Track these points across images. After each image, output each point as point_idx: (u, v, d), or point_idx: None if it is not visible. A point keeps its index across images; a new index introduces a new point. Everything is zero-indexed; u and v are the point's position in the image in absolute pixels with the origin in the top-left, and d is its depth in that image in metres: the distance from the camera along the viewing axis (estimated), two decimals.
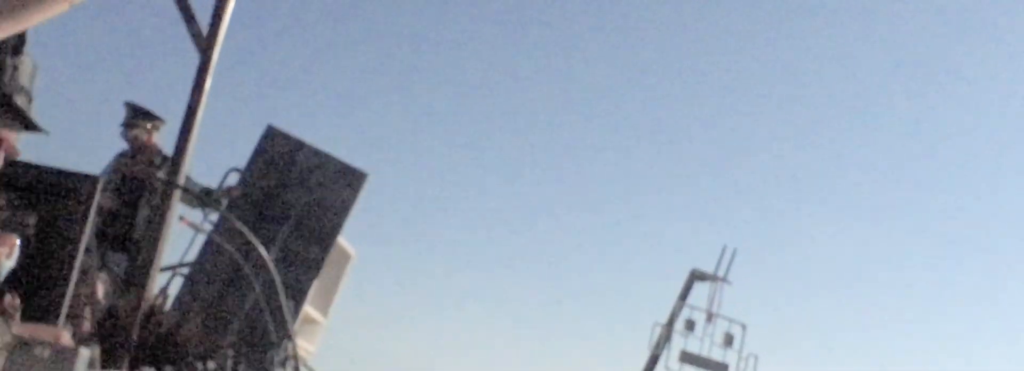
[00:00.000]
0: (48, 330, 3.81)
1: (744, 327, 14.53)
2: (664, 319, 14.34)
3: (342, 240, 6.48)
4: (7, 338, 3.49)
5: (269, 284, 5.53)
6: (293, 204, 6.09)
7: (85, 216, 3.97)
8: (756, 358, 14.48)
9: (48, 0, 2.91)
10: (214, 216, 5.99)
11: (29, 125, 3.67)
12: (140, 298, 4.86)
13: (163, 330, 5.30)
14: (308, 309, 6.37)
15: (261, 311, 5.62)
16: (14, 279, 3.81)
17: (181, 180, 5.30)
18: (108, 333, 4.79)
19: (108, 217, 6.14)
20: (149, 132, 6.38)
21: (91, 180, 4.12)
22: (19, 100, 3.66)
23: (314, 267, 6.12)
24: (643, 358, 14.13)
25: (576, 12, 19.64)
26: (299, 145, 6.17)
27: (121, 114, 6.42)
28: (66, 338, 3.86)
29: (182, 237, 5.94)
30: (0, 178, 3.85)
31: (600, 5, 19.72)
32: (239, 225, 5.46)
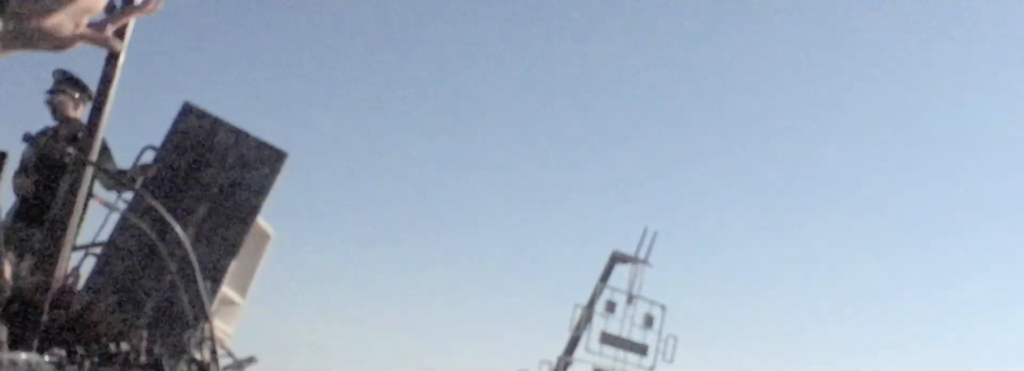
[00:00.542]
0: None
1: (664, 308, 14.76)
2: (585, 301, 14.49)
3: (261, 220, 6.40)
4: None
5: (185, 264, 5.43)
6: (211, 183, 5.99)
7: None
8: (675, 339, 14.72)
9: None
10: (128, 195, 5.87)
11: None
12: (50, 278, 4.73)
13: (74, 311, 5.17)
14: (226, 290, 6.29)
15: (177, 292, 5.53)
16: None
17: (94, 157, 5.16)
18: (16, 314, 4.66)
19: (27, 196, 5.98)
20: (76, 103, 6.22)
21: None
22: None
23: (232, 247, 6.03)
24: (564, 339, 14.26)
25: None
26: (217, 123, 6.06)
27: (48, 81, 6.24)
28: None
29: (96, 216, 5.80)
30: None
31: None
32: (155, 204, 5.35)
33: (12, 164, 6.09)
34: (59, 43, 1.07)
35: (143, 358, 4.73)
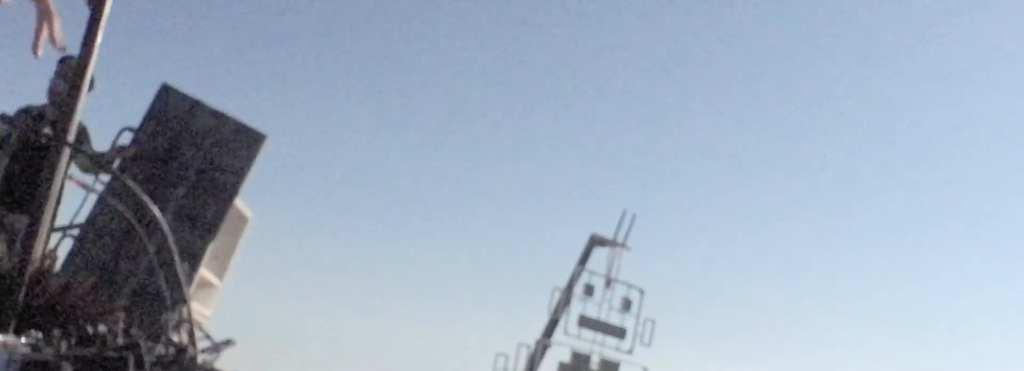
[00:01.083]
0: None
1: (642, 292, 14.82)
2: (563, 284, 14.53)
3: (239, 202, 6.38)
4: None
5: (163, 246, 5.41)
6: (189, 165, 5.96)
7: None
8: (653, 323, 14.80)
9: None
10: (106, 176, 5.83)
11: None
12: (26, 259, 4.70)
13: (51, 293, 5.15)
14: (204, 272, 6.28)
15: (154, 274, 5.51)
16: None
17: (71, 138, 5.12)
18: None
19: (9, 179, 5.94)
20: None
21: None
22: None
23: (210, 229, 6.02)
24: (542, 322, 14.30)
25: None
26: (195, 104, 6.03)
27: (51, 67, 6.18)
28: None
29: (73, 197, 5.77)
30: None
31: None
32: (132, 185, 5.32)
33: None
34: None
35: (120, 340, 4.71)
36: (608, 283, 14.72)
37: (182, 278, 5.38)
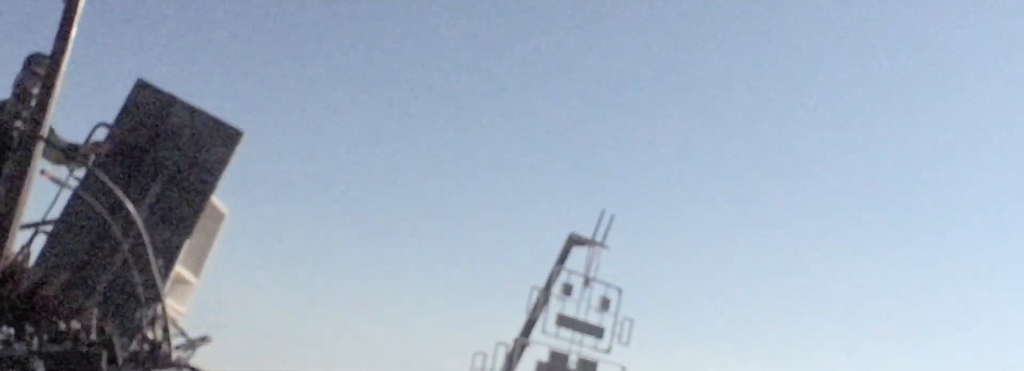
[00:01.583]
0: None
1: (620, 291, 14.79)
2: (542, 283, 14.51)
3: (215, 199, 6.34)
4: None
5: (138, 243, 5.37)
6: (164, 161, 5.92)
7: None
8: (631, 322, 14.78)
9: None
10: (80, 172, 5.79)
11: None
12: None
13: (24, 289, 5.11)
14: (179, 269, 6.23)
15: (129, 270, 5.47)
16: None
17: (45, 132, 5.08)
18: None
19: None
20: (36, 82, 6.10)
21: None
22: None
23: (186, 226, 5.98)
24: (520, 321, 14.29)
25: None
26: (171, 100, 5.99)
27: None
28: None
29: (47, 193, 5.71)
30: None
31: None
32: (107, 181, 5.28)
33: None
34: None
35: (93, 336, 4.68)
36: (586, 282, 14.69)
37: (157, 275, 5.34)
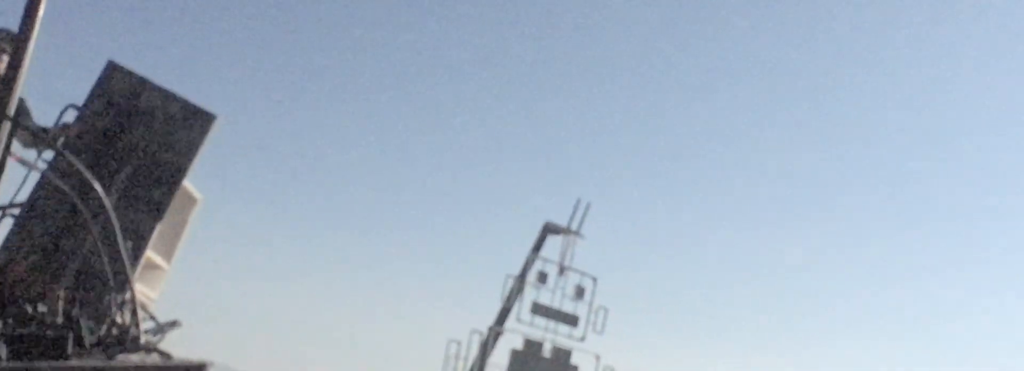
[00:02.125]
0: None
1: (595, 280, 14.85)
2: (517, 271, 14.52)
3: (188, 184, 6.28)
4: None
5: (107, 227, 5.31)
6: (135, 144, 5.85)
7: None
8: (606, 311, 14.83)
9: None
10: (49, 154, 5.71)
11: None
12: None
13: None
14: (150, 254, 6.17)
15: (98, 254, 5.40)
16: None
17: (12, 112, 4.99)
18: None
19: None
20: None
21: None
22: None
23: (157, 211, 5.91)
24: (495, 309, 14.29)
25: None
26: (142, 83, 5.91)
27: None
28: None
29: (14, 175, 5.63)
30: None
31: None
32: (77, 164, 5.21)
33: None
34: None
35: (60, 320, 4.62)
36: (561, 271, 14.71)
37: (126, 259, 5.28)
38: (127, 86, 5.88)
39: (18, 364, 4.11)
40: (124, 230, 5.45)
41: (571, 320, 14.56)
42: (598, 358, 14.59)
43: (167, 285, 6.76)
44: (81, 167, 5.16)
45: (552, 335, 14.35)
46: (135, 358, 4.63)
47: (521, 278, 14.41)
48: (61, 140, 5.73)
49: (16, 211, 5.61)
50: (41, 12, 4.23)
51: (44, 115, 6.17)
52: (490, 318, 14.32)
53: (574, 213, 14.93)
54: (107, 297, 5.25)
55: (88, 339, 4.48)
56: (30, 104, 6.22)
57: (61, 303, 4.78)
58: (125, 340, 4.77)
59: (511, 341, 14.32)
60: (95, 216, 5.37)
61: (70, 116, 5.85)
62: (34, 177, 5.61)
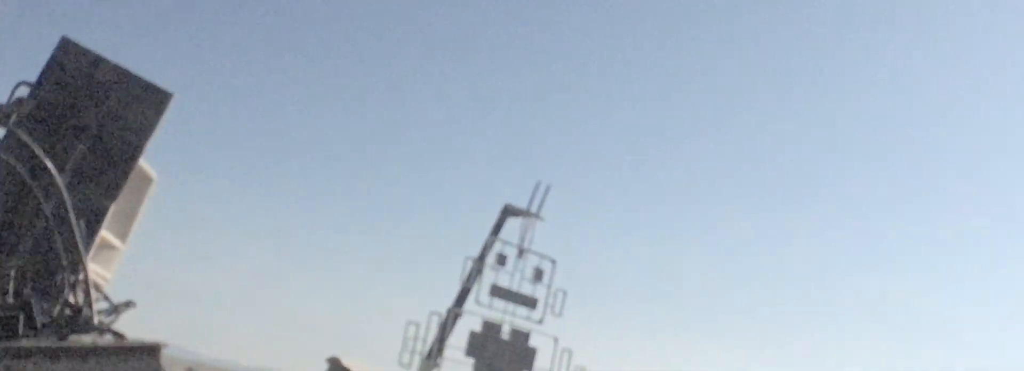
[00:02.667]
0: None
1: (554, 263, 14.86)
2: (476, 253, 14.51)
3: (143, 163, 6.21)
4: None
5: (60, 206, 5.23)
6: (89, 123, 5.77)
7: None
8: (564, 293, 14.86)
9: None
10: (0, 132, 5.61)
11: None
12: None
13: None
14: (105, 234, 6.10)
15: (51, 235, 5.33)
16: None
17: None
18: None
19: None
20: None
21: None
22: None
23: (112, 190, 5.84)
24: (454, 291, 14.27)
25: None
26: (97, 60, 5.82)
27: None
28: None
29: None
30: None
31: None
32: (29, 141, 5.13)
33: None
34: None
35: (10, 300, 4.55)
36: (521, 253, 14.71)
37: (79, 238, 5.22)
38: (81, 63, 5.79)
39: None
40: (78, 209, 5.38)
41: (530, 302, 14.59)
42: (556, 340, 14.64)
43: (123, 265, 6.69)
44: (33, 145, 5.09)
45: (511, 317, 14.37)
46: (88, 339, 4.58)
47: (480, 260, 14.41)
48: (13, 117, 5.63)
49: None
50: None
51: None
52: (449, 300, 14.32)
53: (534, 196, 14.93)
54: (60, 277, 5.18)
55: (40, 319, 4.42)
56: None
57: (12, 283, 4.71)
58: (78, 320, 4.71)
59: (470, 323, 14.33)
60: (47, 195, 5.30)
61: (22, 93, 5.75)
62: None
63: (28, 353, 4.04)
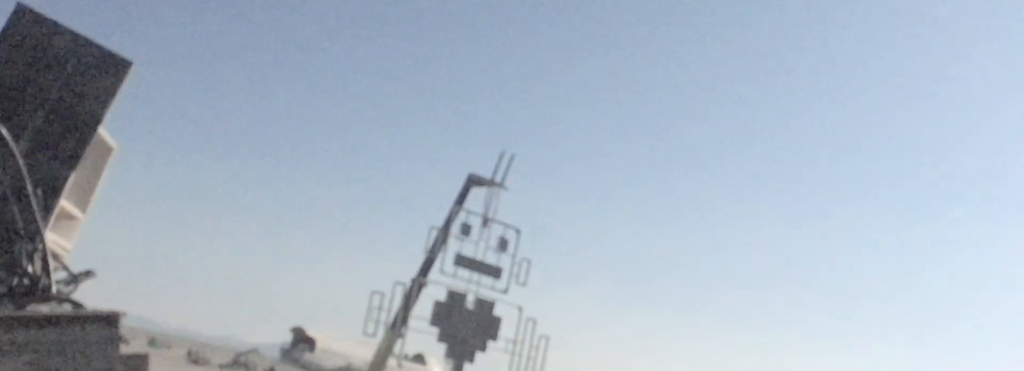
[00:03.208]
0: None
1: (519, 232, 14.93)
2: (440, 223, 14.53)
3: (103, 132, 6.16)
4: None
5: (17, 175, 5.19)
6: (48, 91, 5.70)
7: None
8: (529, 262, 14.94)
9: None
10: None
11: None
12: None
13: None
14: (64, 204, 6.05)
15: (8, 204, 5.28)
16: None
17: None
18: None
19: None
20: None
21: None
22: None
23: (71, 160, 5.79)
24: (418, 261, 14.30)
25: None
26: (55, 27, 5.74)
27: None
28: None
29: None
30: None
31: None
32: None
33: None
34: None
35: None
36: (485, 222, 14.75)
37: (37, 208, 5.18)
38: (37, 30, 5.71)
39: None
40: (36, 179, 5.33)
41: (494, 272, 14.64)
42: (520, 309, 14.73)
43: (83, 235, 6.65)
44: None
45: (475, 287, 14.43)
46: (45, 309, 4.56)
47: (445, 230, 14.42)
48: None
49: None
50: None
51: None
52: (413, 270, 14.35)
53: (498, 165, 14.94)
54: (18, 247, 5.15)
55: None
56: None
57: None
58: (36, 290, 4.69)
59: (434, 292, 14.37)
60: (5, 165, 5.25)
61: None
62: None
63: None
